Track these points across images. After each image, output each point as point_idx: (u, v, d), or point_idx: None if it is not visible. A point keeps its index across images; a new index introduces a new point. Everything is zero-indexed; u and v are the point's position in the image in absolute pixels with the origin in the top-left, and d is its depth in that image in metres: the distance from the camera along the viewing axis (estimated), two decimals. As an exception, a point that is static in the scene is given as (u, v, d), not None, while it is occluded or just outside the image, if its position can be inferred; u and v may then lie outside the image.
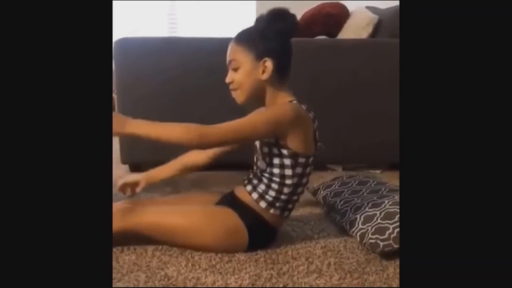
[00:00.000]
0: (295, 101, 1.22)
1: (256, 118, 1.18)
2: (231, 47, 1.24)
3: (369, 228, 1.28)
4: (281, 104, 1.21)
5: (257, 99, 1.26)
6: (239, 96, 1.25)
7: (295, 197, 1.28)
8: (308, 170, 1.26)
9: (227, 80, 1.25)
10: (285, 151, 1.21)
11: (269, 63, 1.20)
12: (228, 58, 1.25)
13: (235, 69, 1.23)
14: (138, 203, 1.36)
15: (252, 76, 1.21)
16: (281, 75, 1.23)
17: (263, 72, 1.20)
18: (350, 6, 2.57)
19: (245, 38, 1.23)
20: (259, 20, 1.25)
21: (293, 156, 1.21)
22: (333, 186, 1.66)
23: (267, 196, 1.25)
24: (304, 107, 1.23)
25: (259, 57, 1.20)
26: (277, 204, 1.25)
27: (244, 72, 1.22)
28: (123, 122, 1.16)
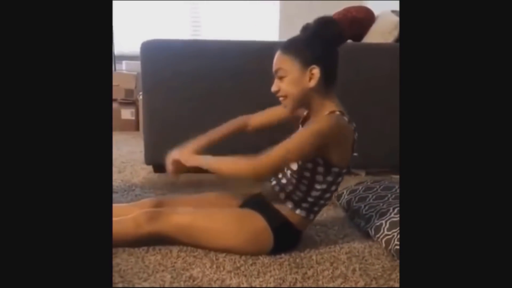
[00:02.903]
0: (338, 112, 1.21)
1: (301, 138, 1.16)
2: (277, 56, 1.23)
3: (395, 234, 1.27)
4: (324, 117, 1.19)
5: (304, 106, 1.26)
6: (287, 105, 1.24)
7: (321, 201, 1.27)
8: (339, 179, 1.25)
9: (273, 89, 1.24)
10: (320, 159, 1.20)
11: (316, 71, 1.18)
12: (274, 67, 1.24)
13: (281, 78, 1.22)
14: (164, 203, 1.37)
15: (299, 84, 1.20)
16: (327, 83, 1.22)
17: (310, 79, 1.19)
18: (376, 10, 2.55)
19: (292, 47, 1.22)
20: (305, 29, 1.24)
21: (327, 165, 1.21)
22: (358, 191, 1.64)
23: (294, 196, 1.25)
24: (346, 118, 1.22)
25: (306, 65, 1.19)
26: (303, 205, 1.25)
27: (290, 81, 1.20)
28: (189, 155, 1.29)
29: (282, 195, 1.27)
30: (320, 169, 1.21)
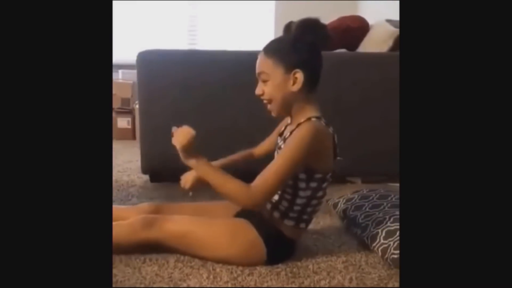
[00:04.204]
0: (314, 118, 1.21)
1: (287, 157, 1.15)
2: (260, 59, 1.22)
3: (391, 243, 1.27)
4: (303, 127, 1.18)
5: (287, 110, 1.25)
6: (273, 109, 1.25)
7: (309, 209, 1.26)
8: (324, 184, 1.25)
9: (257, 92, 1.24)
10: (300, 167, 1.19)
11: (299, 75, 1.18)
12: (257, 70, 1.23)
13: (265, 81, 1.22)
14: (161, 209, 1.38)
15: (283, 88, 1.20)
16: (310, 87, 1.22)
17: (294, 83, 1.19)
18: (370, 19, 2.57)
19: (275, 50, 1.20)
20: (288, 29, 1.23)
21: (309, 171, 1.21)
22: (354, 200, 1.65)
23: (280, 207, 1.25)
24: (323, 122, 1.22)
25: (290, 69, 1.18)
26: (291, 215, 1.25)
27: (274, 85, 1.20)
28: (196, 158, 1.18)
29: (268, 206, 1.27)
30: (302, 176, 1.21)
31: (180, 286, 1.11)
